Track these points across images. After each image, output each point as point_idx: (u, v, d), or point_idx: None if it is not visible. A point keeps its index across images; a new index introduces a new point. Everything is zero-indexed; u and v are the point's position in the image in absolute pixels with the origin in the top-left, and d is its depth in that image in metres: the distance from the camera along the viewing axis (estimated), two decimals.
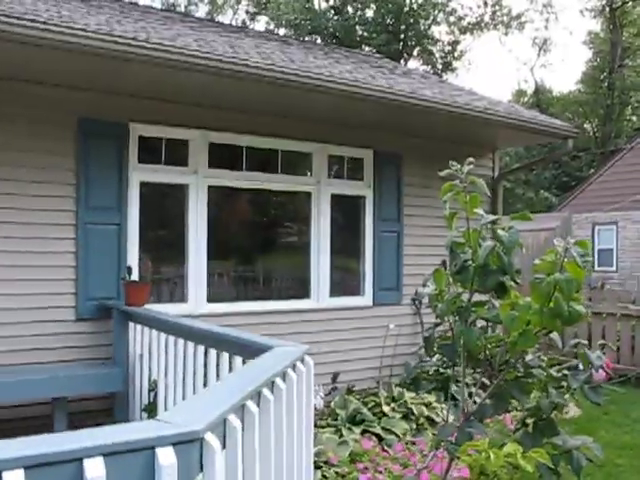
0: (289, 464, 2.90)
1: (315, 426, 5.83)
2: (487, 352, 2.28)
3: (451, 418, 2.56)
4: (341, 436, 5.65)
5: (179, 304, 6.63)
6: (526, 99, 40.52)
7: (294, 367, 3.04)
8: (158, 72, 5.63)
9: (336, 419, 6.06)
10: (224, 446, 2.06)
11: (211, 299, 6.87)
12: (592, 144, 34.50)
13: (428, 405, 6.62)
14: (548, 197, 31.79)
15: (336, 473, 5.01)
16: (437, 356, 2.58)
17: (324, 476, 4.92)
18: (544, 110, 29.50)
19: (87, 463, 1.59)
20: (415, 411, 6.46)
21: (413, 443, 5.92)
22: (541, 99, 38.82)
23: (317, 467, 4.99)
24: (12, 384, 5.24)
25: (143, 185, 6.38)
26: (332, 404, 6.43)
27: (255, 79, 5.91)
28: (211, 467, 1.85)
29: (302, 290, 7.67)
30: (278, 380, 2.72)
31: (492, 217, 2.18)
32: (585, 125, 35.10)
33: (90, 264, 6.02)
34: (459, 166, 2.19)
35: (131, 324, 5.82)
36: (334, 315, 7.66)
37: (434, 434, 4.66)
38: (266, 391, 2.52)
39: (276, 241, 8.08)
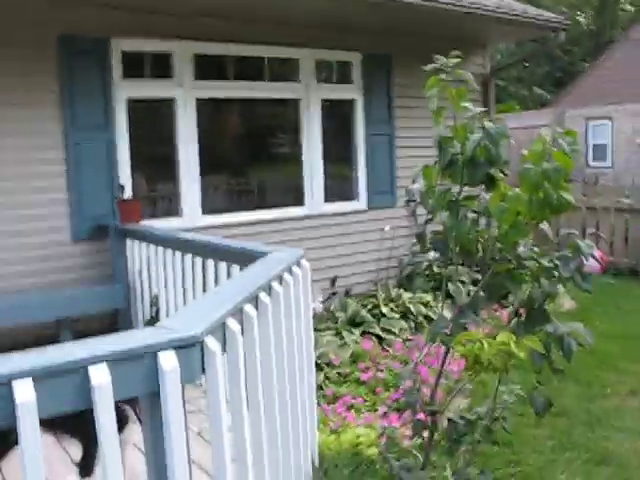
0: (290, 365, 2.99)
1: (315, 330, 5.95)
2: (479, 247, 2.31)
3: (447, 314, 2.62)
4: (342, 338, 5.79)
5: (174, 218, 6.65)
6: None
7: (290, 271, 3.09)
8: None
9: (336, 322, 6.19)
10: (224, 350, 2.12)
11: (206, 212, 6.89)
12: (585, 38, 33.77)
13: (426, 304, 6.75)
14: (542, 94, 31.33)
15: (338, 374, 5.16)
16: (431, 254, 2.61)
17: (327, 377, 5.07)
18: (537, 3, 28.73)
19: (92, 370, 1.64)
20: (413, 310, 6.59)
21: (412, 341, 6.08)
22: None
23: (319, 369, 5.14)
24: (16, 307, 5.33)
25: (130, 102, 6.28)
26: (332, 308, 6.55)
27: None
28: (212, 370, 1.91)
29: (296, 198, 7.68)
30: (275, 284, 2.77)
31: (479, 109, 2.16)
32: (579, 18, 34.21)
33: (83, 184, 5.99)
34: (445, 59, 2.16)
35: (128, 241, 5.86)
36: (329, 221, 7.71)
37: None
38: (263, 295, 2.56)
39: (268, 151, 8.02)
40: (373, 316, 6.36)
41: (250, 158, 7.79)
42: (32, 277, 5.75)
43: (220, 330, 2.08)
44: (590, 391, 5.31)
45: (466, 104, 2.14)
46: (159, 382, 1.74)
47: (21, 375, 1.55)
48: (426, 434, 2.56)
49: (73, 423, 2.36)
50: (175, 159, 6.69)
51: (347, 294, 7.32)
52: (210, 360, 1.91)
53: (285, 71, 7.66)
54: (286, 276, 2.96)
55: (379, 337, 6.03)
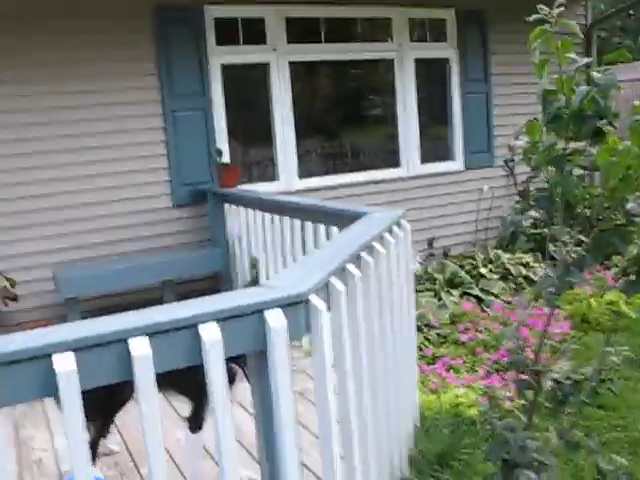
0: (393, 325, 2.99)
1: (414, 291, 5.95)
2: (585, 204, 2.23)
3: (550, 273, 2.54)
4: (440, 299, 5.74)
5: (271, 183, 6.73)
6: None
7: (391, 231, 3.08)
8: None
9: (434, 283, 6.14)
10: (329, 308, 2.14)
11: (302, 175, 6.94)
12: None
13: (526, 265, 6.60)
14: None
15: (437, 335, 5.14)
16: (533, 212, 2.53)
17: (426, 338, 5.06)
18: None
19: (202, 328, 1.70)
20: (513, 271, 6.46)
21: (512, 302, 5.97)
22: None
23: (419, 330, 5.13)
24: (125, 270, 5.55)
25: (224, 68, 6.36)
26: (429, 269, 6.50)
27: None
28: (318, 327, 1.93)
29: (392, 160, 7.62)
30: (376, 244, 2.76)
31: (586, 60, 2.07)
32: None
33: (181, 151, 6.14)
34: (548, 10, 2.07)
35: (226, 205, 5.99)
36: (426, 182, 7.62)
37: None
38: (365, 254, 2.57)
39: (362, 113, 7.97)
40: (472, 277, 6.27)
41: (344, 121, 7.76)
42: (138, 242, 5.97)
43: (324, 289, 2.10)
44: None
45: (572, 55, 2.05)
46: (266, 340, 1.78)
47: (135, 333, 1.62)
48: (530, 395, 2.52)
49: (182, 381, 2.45)
50: (270, 123, 6.74)
51: (445, 255, 7.24)
52: (315, 318, 1.93)
53: (378, 31, 7.55)
54: (387, 236, 2.95)
55: (478, 298, 5.94)
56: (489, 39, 7.88)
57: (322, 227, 4.22)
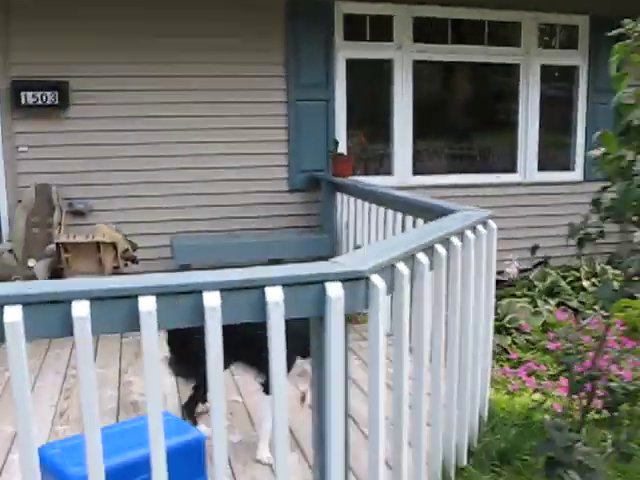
0: (464, 319, 3.13)
1: (512, 295, 5.99)
2: None
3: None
4: (535, 306, 5.76)
5: (386, 177, 6.94)
6: None
7: (474, 229, 3.21)
8: None
9: (533, 290, 6.14)
10: (392, 290, 2.34)
11: (416, 172, 7.09)
12: None
13: None
14: None
15: (526, 340, 5.18)
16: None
17: (514, 342, 5.12)
18: None
19: (268, 290, 1.94)
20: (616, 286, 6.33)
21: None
22: None
23: (508, 333, 5.20)
24: (235, 246, 5.94)
25: (349, 62, 6.61)
26: (531, 276, 6.49)
27: None
28: (375, 304, 2.13)
29: (509, 164, 7.61)
30: (453, 238, 2.92)
31: None
32: None
33: (300, 139, 6.45)
34: (634, 23, 2.15)
35: (338, 194, 6.24)
36: (541, 190, 7.55)
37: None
38: (439, 246, 2.73)
39: (482, 116, 7.98)
40: (573, 289, 6.23)
41: (464, 123, 7.83)
42: (252, 221, 6.34)
43: (388, 271, 2.29)
44: None
45: None
46: (325, 307, 2.00)
47: (209, 287, 1.89)
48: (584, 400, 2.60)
49: (254, 352, 2.63)
50: (390, 119, 6.94)
51: (546, 264, 7.16)
52: (374, 295, 2.12)
53: (506, 35, 7.55)
54: (467, 233, 3.09)
55: (575, 310, 5.90)
56: None
57: (420, 220, 4.37)
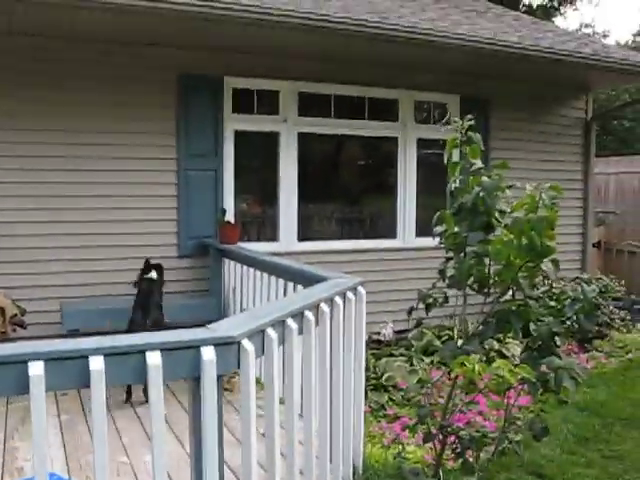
0: (334, 377, 3.43)
1: (389, 355, 6.36)
2: (489, 282, 2.69)
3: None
4: (411, 365, 6.14)
5: (271, 243, 7.25)
6: None
7: (344, 295, 3.54)
8: (250, 30, 6.08)
9: (410, 349, 6.53)
10: (262, 352, 2.60)
11: (304, 238, 7.45)
12: None
13: (500, 340, 6.96)
14: None
15: (402, 396, 5.53)
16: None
17: (391, 399, 5.45)
18: None
19: (149, 354, 2.17)
20: (485, 345, 6.81)
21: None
22: None
23: (385, 390, 5.53)
24: (126, 311, 6.02)
25: (237, 134, 6.96)
26: (409, 336, 6.89)
27: (343, 34, 6.26)
28: (245, 365, 2.40)
29: (389, 230, 8.09)
30: (323, 304, 3.23)
31: (479, 165, 2.56)
32: None
33: (190, 206, 6.70)
34: (460, 122, 2.57)
35: (225, 260, 6.49)
36: (419, 255, 8.02)
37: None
38: (308, 312, 3.03)
39: (367, 183, 8.48)
40: None
41: (350, 190, 8.31)
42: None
43: (259, 336, 2.56)
44: None
45: (475, 160, 2.54)
46: (200, 369, 2.24)
47: (95, 353, 2.09)
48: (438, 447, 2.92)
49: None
50: (276, 188, 7.30)
51: (419, 324, 7.58)
52: (244, 358, 2.39)
53: (384, 110, 8.12)
54: (337, 299, 3.41)
55: (449, 367, 6.30)
56: (490, 125, 8.39)
57: (299, 286, 4.67)
